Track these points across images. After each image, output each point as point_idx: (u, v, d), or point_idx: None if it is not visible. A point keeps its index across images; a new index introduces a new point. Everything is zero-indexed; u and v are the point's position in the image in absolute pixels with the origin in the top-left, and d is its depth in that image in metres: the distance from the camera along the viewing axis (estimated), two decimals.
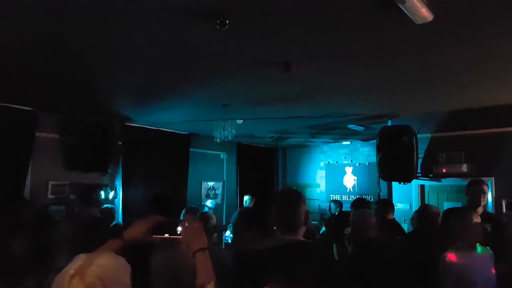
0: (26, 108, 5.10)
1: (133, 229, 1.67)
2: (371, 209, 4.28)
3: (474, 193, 3.61)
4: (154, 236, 1.64)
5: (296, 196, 2.03)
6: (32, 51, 3.18)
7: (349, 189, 8.64)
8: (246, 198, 7.15)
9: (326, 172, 9.17)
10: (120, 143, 6.13)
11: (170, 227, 1.64)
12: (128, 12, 2.44)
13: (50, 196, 5.45)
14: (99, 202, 5.56)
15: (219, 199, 8.36)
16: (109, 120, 5.66)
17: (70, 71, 3.76)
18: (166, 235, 1.63)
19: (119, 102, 5.10)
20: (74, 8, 2.39)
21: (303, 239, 2.00)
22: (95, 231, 2.43)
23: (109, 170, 5.74)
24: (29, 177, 5.18)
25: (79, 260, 1.23)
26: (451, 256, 2.73)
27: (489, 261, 2.77)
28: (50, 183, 5.47)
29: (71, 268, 1.20)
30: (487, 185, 3.68)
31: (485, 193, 3.59)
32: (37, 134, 5.24)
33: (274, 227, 1.99)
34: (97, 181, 5.77)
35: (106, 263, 1.24)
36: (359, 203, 4.44)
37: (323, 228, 5.69)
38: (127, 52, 3.21)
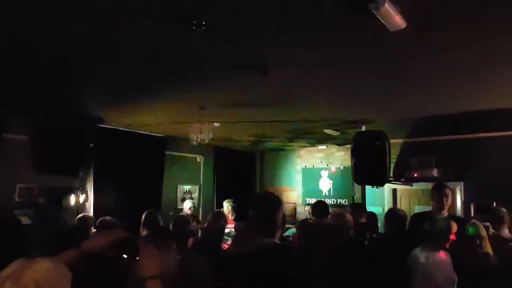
0: None
1: (93, 240, 1.62)
2: (328, 212, 4.39)
3: (438, 197, 3.77)
4: (112, 252, 1.57)
5: (274, 201, 2.08)
6: (3, 51, 3.07)
7: (325, 193, 8.72)
8: (225, 205, 6.86)
9: (302, 176, 9.23)
10: (91, 145, 5.98)
11: (131, 245, 1.58)
12: (101, 12, 2.38)
13: (17, 200, 5.26)
14: (69, 207, 5.41)
15: (195, 203, 8.27)
16: (80, 121, 5.52)
17: (40, 71, 3.64)
18: (124, 256, 1.56)
19: (91, 103, 4.97)
20: (48, 8, 2.31)
21: (279, 242, 2.04)
22: (65, 239, 2.36)
23: (80, 173, 5.59)
24: None
25: (15, 264, 1.18)
26: (419, 255, 2.82)
27: (449, 262, 2.88)
28: (18, 185, 5.28)
29: (6, 271, 1.16)
30: (449, 189, 3.87)
31: (448, 196, 3.78)
32: (4, 135, 5.07)
33: (249, 230, 2.01)
34: (67, 184, 5.60)
35: (43, 267, 1.19)
36: (320, 207, 4.53)
37: (293, 230, 5.75)
38: (99, 53, 3.13)
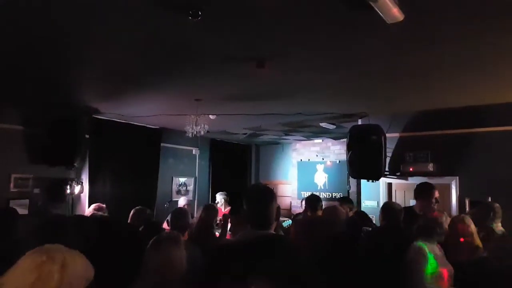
0: None
1: None
2: (321, 205, 4.39)
3: (427, 199, 3.75)
4: None
5: (268, 192, 2.08)
6: None
7: (320, 187, 8.76)
8: (218, 198, 6.81)
9: (298, 169, 9.25)
10: (87, 136, 5.96)
11: None
12: (98, 3, 2.36)
13: (12, 190, 5.25)
14: (66, 197, 5.38)
15: (190, 196, 8.28)
16: (76, 112, 5.48)
17: (37, 62, 3.60)
18: None
19: (87, 94, 4.94)
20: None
21: (275, 233, 2.05)
22: (61, 229, 2.35)
23: (75, 164, 5.57)
24: None
25: (56, 245, 1.30)
26: (423, 248, 2.83)
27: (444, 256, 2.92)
28: (13, 176, 5.27)
29: (48, 245, 1.29)
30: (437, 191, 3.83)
31: (437, 200, 3.75)
32: None
33: (245, 222, 2.00)
34: (62, 175, 5.58)
35: (75, 259, 1.29)
36: (313, 200, 4.53)
37: (289, 222, 5.78)
38: (95, 43, 3.10)
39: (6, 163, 5.16)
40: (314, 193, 8.38)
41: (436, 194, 3.78)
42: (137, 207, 4.07)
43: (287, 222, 6.07)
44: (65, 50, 3.33)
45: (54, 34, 2.95)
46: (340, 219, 3.17)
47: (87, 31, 2.87)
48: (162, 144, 7.37)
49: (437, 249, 2.92)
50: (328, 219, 3.17)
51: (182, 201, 6.55)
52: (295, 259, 1.92)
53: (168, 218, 3.63)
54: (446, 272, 2.79)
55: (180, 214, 3.64)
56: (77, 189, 5.79)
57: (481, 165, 5.30)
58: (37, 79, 4.24)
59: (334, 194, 8.40)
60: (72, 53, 3.40)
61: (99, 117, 6.12)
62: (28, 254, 1.25)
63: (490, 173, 5.18)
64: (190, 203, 6.69)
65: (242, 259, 1.83)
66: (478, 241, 3.09)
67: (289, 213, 8.77)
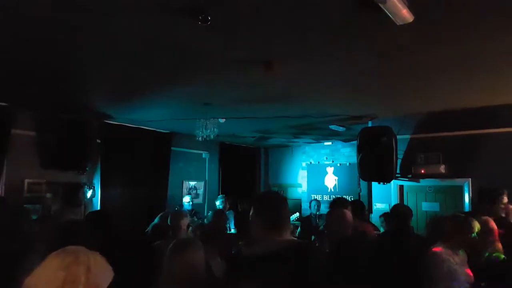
0: (2, 103, 4.95)
1: None
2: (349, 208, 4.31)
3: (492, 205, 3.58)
4: None
5: (282, 199, 2.11)
6: (9, 46, 3.09)
7: (330, 189, 8.71)
8: (219, 201, 6.72)
9: (307, 172, 9.22)
10: (98, 141, 6.02)
11: None
12: (108, 8, 2.39)
13: (26, 195, 5.31)
14: (83, 202, 5.44)
15: (200, 199, 8.31)
16: (87, 117, 5.55)
17: (48, 67, 3.66)
18: None
19: (98, 99, 5.01)
20: (53, 4, 2.33)
21: (296, 239, 2.03)
22: (74, 234, 2.38)
23: (87, 168, 5.63)
24: (4, 174, 5.04)
25: (80, 247, 1.33)
26: (442, 253, 2.78)
27: (465, 263, 2.86)
28: (26, 181, 5.34)
29: (72, 247, 1.31)
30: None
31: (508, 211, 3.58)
32: (12, 131, 5.12)
33: (260, 229, 1.96)
34: (74, 179, 5.65)
35: (98, 256, 1.33)
36: (337, 203, 4.46)
37: (296, 215, 5.77)
38: (106, 49, 3.14)
39: (20, 169, 5.24)
40: (325, 196, 8.38)
41: (505, 199, 3.57)
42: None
43: (293, 216, 6.08)
44: (77, 58, 3.38)
45: (67, 42, 2.99)
46: (348, 224, 3.12)
47: (98, 38, 2.91)
48: (172, 148, 7.41)
49: (458, 253, 2.85)
50: (335, 224, 3.11)
51: (185, 199, 6.68)
52: (323, 265, 1.92)
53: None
54: (463, 278, 2.75)
55: (177, 217, 3.65)
56: (89, 193, 5.86)
57: (494, 166, 5.22)
58: (49, 85, 4.31)
59: (344, 197, 8.33)
60: (83, 60, 3.45)
61: (110, 122, 6.19)
62: (54, 255, 1.26)
63: (503, 174, 5.11)
64: (191, 201, 6.77)
65: (270, 269, 1.80)
66: (499, 243, 3.07)
67: (300, 216, 8.73)
